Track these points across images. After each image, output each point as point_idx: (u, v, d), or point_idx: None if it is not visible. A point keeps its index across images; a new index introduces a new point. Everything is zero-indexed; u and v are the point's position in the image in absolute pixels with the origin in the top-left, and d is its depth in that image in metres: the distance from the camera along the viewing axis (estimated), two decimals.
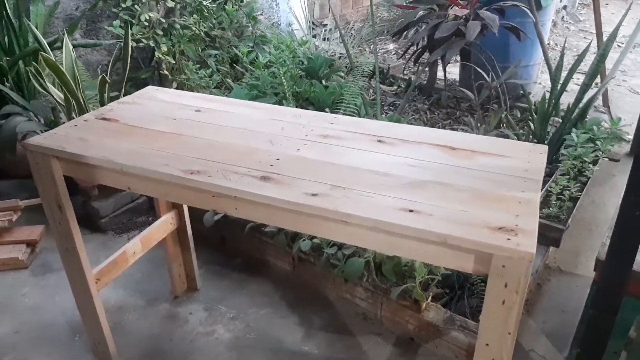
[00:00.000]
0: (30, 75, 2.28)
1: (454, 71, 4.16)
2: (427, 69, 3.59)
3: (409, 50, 3.54)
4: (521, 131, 2.89)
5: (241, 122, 1.49)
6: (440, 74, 4.19)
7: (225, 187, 1.15)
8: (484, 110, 3.17)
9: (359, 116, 3.03)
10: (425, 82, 3.78)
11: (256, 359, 1.80)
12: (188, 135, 1.41)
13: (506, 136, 2.74)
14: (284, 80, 3.15)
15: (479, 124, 2.85)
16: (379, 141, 1.35)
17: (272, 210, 1.13)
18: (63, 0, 3.19)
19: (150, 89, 1.76)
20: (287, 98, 3.16)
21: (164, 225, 1.90)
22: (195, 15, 3.30)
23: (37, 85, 2.28)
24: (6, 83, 2.61)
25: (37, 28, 2.77)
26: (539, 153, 1.28)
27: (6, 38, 2.72)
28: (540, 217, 2.09)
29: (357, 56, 4.40)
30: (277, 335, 1.90)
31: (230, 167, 1.22)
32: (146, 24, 3.08)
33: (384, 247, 1.07)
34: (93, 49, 3.38)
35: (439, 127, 3.33)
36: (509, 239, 0.95)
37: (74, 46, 2.85)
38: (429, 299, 1.81)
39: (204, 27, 3.44)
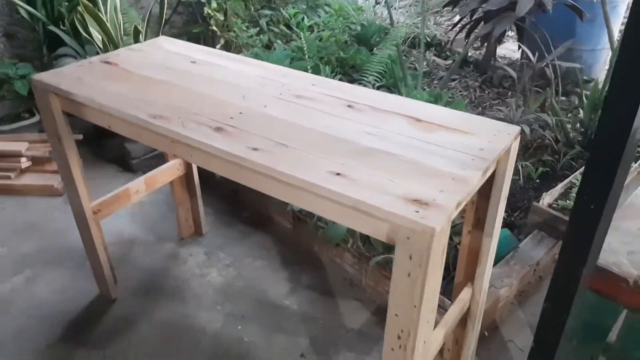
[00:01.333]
0: (76, 20, 2.46)
1: (517, 49, 3.92)
2: (483, 44, 3.41)
3: (462, 23, 3.36)
4: (566, 118, 2.70)
5: (228, 76, 1.53)
6: (503, 51, 3.98)
7: (179, 134, 1.21)
8: (533, 93, 2.98)
9: (395, 87, 2.97)
10: (481, 58, 3.60)
11: (239, 305, 1.90)
12: (173, 83, 1.48)
13: (545, 121, 2.58)
14: (327, 45, 3.14)
15: (519, 106, 2.69)
16: (349, 106, 1.34)
17: (219, 161, 1.18)
18: None
19: (161, 39, 1.84)
20: (329, 62, 3.16)
21: (170, 169, 2.02)
22: None
23: (80, 30, 2.45)
24: (62, 27, 2.83)
25: None
26: (506, 134, 1.21)
27: None
28: (554, 209, 2.00)
29: (417, 26, 4.27)
30: (264, 287, 1.98)
31: (194, 117, 1.28)
32: None
33: (309, 206, 1.08)
34: (155, 1, 3.55)
35: (485, 106, 3.19)
36: (417, 211, 0.93)
37: None
38: None
39: None
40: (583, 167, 2.26)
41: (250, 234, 2.26)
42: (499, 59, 3.77)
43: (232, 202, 2.42)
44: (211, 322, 1.82)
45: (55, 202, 2.45)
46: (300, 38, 3.34)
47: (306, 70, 2.68)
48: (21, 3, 2.81)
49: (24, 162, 2.52)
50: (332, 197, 1.01)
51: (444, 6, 3.40)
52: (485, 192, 1.30)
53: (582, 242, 1.11)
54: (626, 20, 0.84)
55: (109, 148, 2.77)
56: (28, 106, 3.02)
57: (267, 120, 1.27)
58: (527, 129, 2.47)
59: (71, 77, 1.51)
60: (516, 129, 1.24)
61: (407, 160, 1.10)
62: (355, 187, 1.01)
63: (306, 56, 2.79)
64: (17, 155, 2.50)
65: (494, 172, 1.23)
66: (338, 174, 1.05)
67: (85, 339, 1.76)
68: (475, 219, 1.37)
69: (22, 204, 2.43)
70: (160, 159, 2.77)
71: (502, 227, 2.06)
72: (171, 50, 1.73)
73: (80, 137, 2.65)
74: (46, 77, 1.50)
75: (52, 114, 1.51)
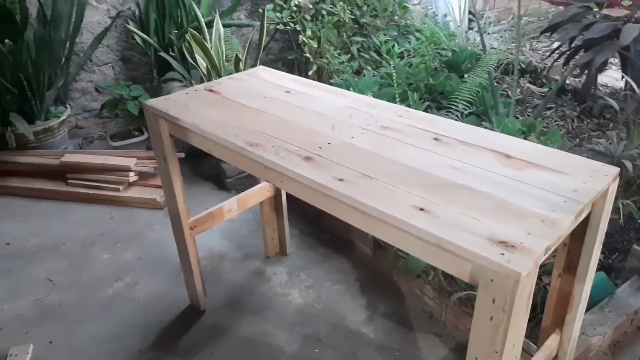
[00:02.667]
0: (183, 47, 2.68)
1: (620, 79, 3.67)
2: (582, 72, 3.24)
3: (559, 50, 3.23)
4: None
5: (319, 106, 1.60)
6: (604, 79, 3.75)
7: (271, 161, 1.29)
8: (638, 126, 2.78)
9: (485, 115, 2.90)
10: (580, 87, 3.42)
11: (317, 328, 1.94)
12: (268, 112, 1.57)
13: None
14: (416, 72, 3.15)
15: (621, 140, 2.52)
16: (435, 139, 1.35)
17: (306, 189, 1.23)
18: None
19: (259, 69, 1.96)
20: (418, 89, 3.16)
21: (261, 191, 2.12)
22: (342, 3, 3.45)
23: (187, 56, 2.67)
24: (171, 53, 3.09)
25: (205, 6, 3.21)
26: (603, 175, 1.16)
27: (179, 14, 3.20)
28: None
29: (511, 52, 4.14)
30: (342, 312, 2.01)
31: (285, 145, 1.35)
32: (295, 8, 3.32)
33: (392, 240, 1.10)
34: (254, 29, 3.77)
35: (583, 138, 3.02)
36: (502, 254, 0.91)
37: (230, 25, 3.24)
38: None
39: (352, 15, 3.58)
40: None
41: (331, 257, 2.30)
42: (600, 88, 3.56)
43: (317, 224, 2.49)
44: (290, 342, 1.87)
45: (156, 214, 2.66)
46: (389, 64, 3.38)
47: (394, 97, 2.70)
48: (136, 30, 3.12)
49: (132, 177, 2.76)
50: (414, 233, 1.02)
51: (542, 32, 3.28)
52: (579, 234, 1.24)
53: None
54: None
55: (206, 167, 2.96)
56: (138, 125, 3.32)
57: (354, 151, 1.31)
58: (629, 165, 2.30)
59: (178, 103, 1.65)
60: (615, 170, 1.18)
61: (493, 199, 1.09)
62: (439, 223, 1.01)
63: (394, 83, 2.81)
64: (126, 169, 2.75)
65: (589, 214, 1.18)
66: (422, 209, 1.06)
67: (175, 347, 1.88)
68: (567, 262, 1.31)
69: (127, 214, 2.66)
70: (251, 178, 2.91)
71: (598, 270, 1.93)
72: (267, 80, 1.84)
73: (182, 155, 2.86)
74: (157, 103, 1.65)
75: (160, 136, 1.66)
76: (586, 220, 1.20)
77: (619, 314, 1.71)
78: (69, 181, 2.79)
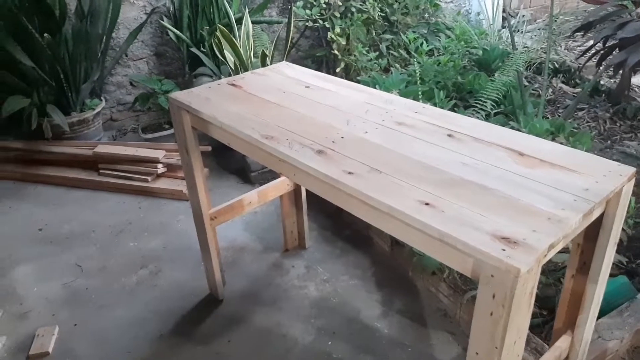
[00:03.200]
0: (213, 43, 2.74)
1: None
2: (615, 73, 3.14)
3: (593, 49, 3.14)
4: None
5: (337, 101, 1.62)
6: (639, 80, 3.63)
7: (285, 154, 1.32)
8: None
9: (513, 114, 2.86)
10: (615, 88, 3.32)
11: (331, 321, 1.96)
12: (286, 107, 1.60)
13: None
14: (444, 70, 3.12)
15: None
16: (449, 135, 1.35)
17: (317, 182, 1.26)
18: None
19: (282, 64, 1.99)
20: (445, 87, 3.14)
21: (281, 184, 2.16)
22: (371, 0, 3.45)
23: (217, 52, 2.73)
24: (202, 49, 3.16)
25: (236, 3, 3.27)
26: (618, 175, 1.14)
27: (211, 11, 3.27)
28: None
29: (545, 51, 4.05)
30: (357, 307, 2.02)
31: (300, 139, 1.38)
32: (325, 6, 3.35)
33: (398, 234, 1.11)
34: (284, 26, 3.81)
35: (615, 140, 2.94)
36: (503, 250, 0.92)
37: (260, 22, 3.28)
38: None
39: (382, 12, 3.57)
40: None
41: (349, 252, 2.32)
42: (636, 89, 3.45)
43: (336, 219, 2.51)
44: (304, 334, 1.90)
45: (182, 205, 2.73)
46: (417, 62, 3.37)
47: (417, 95, 2.69)
48: (170, 27, 3.20)
49: (160, 168, 2.85)
50: (418, 227, 1.03)
51: (575, 32, 3.20)
52: (594, 235, 1.22)
53: None
54: None
55: (232, 161, 3.02)
56: (169, 118, 3.41)
57: (366, 146, 1.33)
58: None
59: (200, 97, 1.70)
60: (630, 169, 1.15)
61: (501, 195, 1.09)
62: (443, 218, 1.02)
63: (418, 81, 2.80)
64: (155, 161, 2.84)
65: (603, 214, 1.16)
66: (427, 203, 1.07)
67: (193, 334, 1.93)
68: (581, 263, 1.29)
69: (155, 204, 2.75)
70: (275, 173, 2.96)
71: (621, 274, 1.89)
72: (289, 75, 1.87)
73: (209, 149, 2.94)
74: (180, 96, 1.71)
75: (183, 128, 1.71)
76: (600, 221, 1.18)
77: (638, 318, 1.67)
78: (100, 171, 2.89)
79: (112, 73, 3.43)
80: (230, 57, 2.74)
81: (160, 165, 2.87)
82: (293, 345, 1.86)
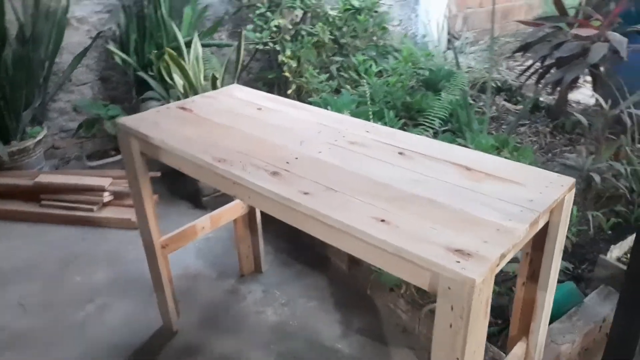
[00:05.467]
0: (161, 67, 2.70)
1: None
2: (553, 90, 3.33)
3: (532, 68, 3.32)
4: None
5: (289, 122, 1.62)
6: (577, 96, 3.85)
7: (239, 176, 1.30)
8: (606, 141, 2.85)
9: (460, 131, 2.96)
10: (553, 104, 3.51)
11: (291, 345, 1.93)
12: (238, 129, 1.59)
13: (618, 170, 2.45)
14: (393, 90, 3.21)
15: (590, 154, 2.58)
16: (400, 153, 1.38)
17: (273, 203, 1.24)
18: (214, 3, 3.65)
19: (233, 87, 1.99)
20: (395, 107, 3.22)
21: (234, 208, 2.13)
22: (321, 24, 3.51)
23: (165, 75, 2.69)
24: (150, 73, 3.11)
25: (186, 27, 3.24)
26: (559, 185, 1.19)
27: (159, 34, 3.22)
28: (623, 263, 1.88)
29: (488, 71, 4.24)
30: (317, 328, 2.00)
31: (253, 160, 1.37)
32: (275, 29, 3.38)
33: (354, 251, 1.11)
34: (233, 49, 3.81)
35: (556, 153, 3.09)
36: (458, 262, 0.93)
37: (209, 45, 3.27)
38: None
39: (331, 35, 3.64)
40: None
41: (307, 274, 2.30)
42: (573, 105, 3.65)
43: (292, 241, 2.49)
44: None
45: (130, 234, 2.64)
46: (367, 83, 3.44)
47: (368, 115, 2.74)
48: (116, 50, 3.13)
49: (107, 197, 2.75)
50: (374, 243, 1.03)
51: (515, 52, 3.37)
52: (540, 243, 1.27)
53: (638, 302, 1.05)
54: None
55: (183, 186, 2.95)
56: (115, 145, 3.31)
57: (320, 166, 1.33)
58: (597, 178, 2.36)
59: (149, 121, 1.66)
60: (570, 180, 1.21)
61: (452, 209, 1.11)
62: (398, 234, 1.03)
63: (368, 101, 2.86)
64: (101, 189, 2.74)
65: (548, 224, 1.21)
66: (382, 220, 1.08)
67: None
68: (530, 271, 1.33)
69: (101, 235, 2.64)
70: (228, 196, 2.91)
71: (567, 280, 1.96)
72: (240, 98, 1.86)
73: (159, 174, 2.86)
74: (128, 121, 1.66)
75: (132, 154, 1.66)
76: (546, 230, 1.22)
77: (587, 322, 1.74)
78: (42, 202, 2.76)
79: (55, 99, 3.30)
80: (179, 81, 2.71)
81: (106, 194, 2.77)
82: None
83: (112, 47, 3.19)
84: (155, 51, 3.19)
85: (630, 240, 2.00)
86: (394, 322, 1.99)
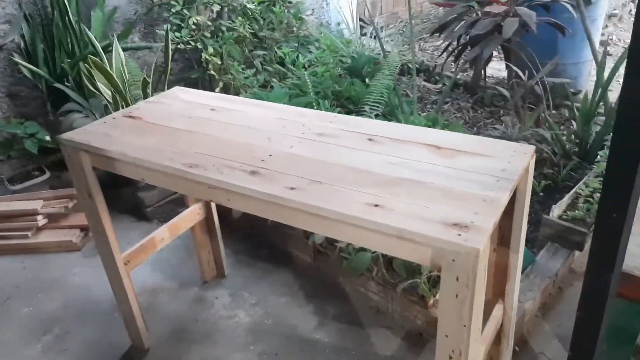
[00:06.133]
0: (83, 76, 2.54)
1: (503, 68, 4.07)
2: (471, 66, 3.55)
3: (449, 48, 3.50)
4: (561, 131, 2.80)
5: (249, 120, 1.60)
6: (489, 70, 4.12)
7: (217, 180, 1.27)
8: (526, 110, 3.10)
9: (392, 115, 3.07)
10: (470, 80, 3.73)
11: (270, 343, 1.92)
12: (198, 132, 1.54)
13: (542, 136, 2.68)
14: (322, 80, 3.24)
15: (515, 124, 2.80)
16: (370, 140, 1.41)
17: (257, 202, 1.23)
18: (122, 5, 3.47)
19: (176, 90, 1.92)
20: (327, 97, 3.26)
21: (191, 214, 2.06)
22: (240, 18, 3.46)
23: (88, 85, 2.53)
24: (67, 83, 2.91)
25: (96, 31, 3.05)
26: (523, 153, 1.29)
27: (69, 42, 3.01)
28: (564, 220, 2.08)
29: (404, 54, 4.42)
30: (292, 323, 2.01)
31: (226, 162, 1.34)
32: (194, 27, 3.28)
33: (352, 239, 1.14)
34: (150, 51, 3.65)
35: (480, 126, 3.30)
36: (459, 235, 0.99)
37: (127, 49, 3.11)
38: (437, 295, 1.84)
39: (251, 29, 3.60)
40: (587, 177, 2.36)
41: (271, 272, 2.29)
42: (487, 79, 3.91)
43: (250, 241, 2.46)
44: None
45: (73, 257, 2.48)
46: (295, 75, 3.45)
47: (312, 106, 2.76)
48: (24, 63, 2.89)
49: (41, 220, 2.55)
50: (374, 228, 1.06)
51: (432, 33, 3.54)
52: (507, 210, 1.36)
53: (609, 251, 1.17)
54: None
55: (122, 199, 2.80)
56: (38, 164, 3.06)
57: (296, 160, 1.34)
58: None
59: (98, 133, 1.57)
60: (531, 148, 1.32)
61: (436, 187, 1.17)
62: (395, 216, 1.07)
63: (310, 92, 2.88)
64: (33, 213, 2.53)
65: (515, 190, 1.30)
66: (376, 205, 1.11)
67: None
68: (500, 237, 1.43)
69: (42, 261, 2.45)
70: (173, 204, 2.81)
71: None
72: (188, 100, 1.81)
73: None
74: (75, 135, 1.55)
75: (83, 170, 1.56)
76: (513, 196, 1.32)
77: (542, 278, 1.90)
78: None
79: None
80: (105, 89, 2.56)
81: (40, 217, 2.57)
82: None
83: (18, 59, 2.93)
84: (68, 60, 2.98)
85: (566, 198, 2.20)
86: (367, 305, 2.04)
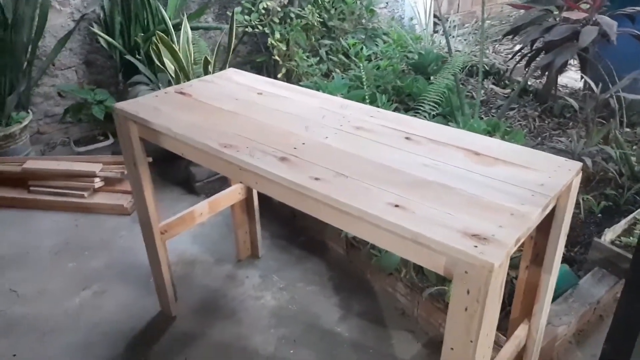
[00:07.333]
0: (151, 50, 2.65)
1: (579, 79, 3.83)
2: (543, 73, 3.37)
3: (522, 52, 3.34)
4: (632, 151, 2.60)
5: (292, 107, 1.61)
6: (564, 80, 3.89)
7: (246, 162, 1.29)
8: (596, 124, 2.90)
9: (451, 116, 2.97)
10: (541, 87, 3.55)
11: (291, 329, 1.94)
12: (241, 114, 1.57)
13: (608, 154, 2.50)
14: (384, 74, 3.20)
15: (580, 138, 2.63)
16: (407, 138, 1.38)
17: (282, 189, 1.24)
18: None
19: (230, 71, 1.96)
20: (386, 91, 3.21)
21: (232, 194, 2.11)
22: (310, 6, 3.47)
23: (155, 59, 2.63)
24: (138, 56, 3.04)
25: (171, 9, 3.17)
26: (567, 170, 1.21)
27: (145, 17, 3.15)
28: (616, 246, 1.93)
29: (476, 54, 4.26)
30: (316, 312, 2.01)
31: (260, 146, 1.35)
32: (264, 11, 3.33)
33: (369, 237, 1.12)
34: (221, 32, 3.74)
35: (545, 136, 3.13)
36: (475, 246, 0.95)
37: (198, 28, 3.21)
38: None
39: (320, 18, 3.60)
40: None
41: (304, 259, 2.31)
42: (560, 89, 3.70)
43: (289, 226, 2.49)
44: (264, 345, 1.87)
45: (123, 220, 2.61)
46: (358, 67, 3.42)
47: (363, 99, 2.74)
48: (101, 33, 3.05)
49: (98, 182, 2.70)
50: (390, 229, 1.04)
51: (504, 35, 3.39)
52: (545, 227, 1.29)
53: None
54: None
55: (175, 171, 2.92)
56: (103, 130, 3.25)
57: (328, 151, 1.33)
58: (589, 161, 2.40)
59: (149, 106, 1.63)
60: (578, 164, 1.23)
61: (465, 194, 1.12)
62: (414, 219, 1.04)
63: (364, 85, 2.85)
64: (91, 175, 2.69)
65: (554, 207, 1.23)
66: (397, 205, 1.08)
67: (146, 354, 1.85)
68: (534, 255, 1.36)
69: (94, 221, 2.60)
70: (221, 182, 2.89)
71: (562, 263, 2.01)
72: (239, 82, 1.84)
73: (150, 160, 2.81)
74: (126, 106, 1.63)
75: (130, 139, 1.63)
76: (552, 213, 1.25)
77: (582, 303, 1.78)
78: (31, 188, 2.70)
79: (39, 84, 3.21)
80: (169, 65, 2.66)
81: (97, 180, 2.72)
82: (254, 357, 1.82)
83: (96, 29, 3.10)
84: (142, 34, 3.12)
85: (623, 223, 2.05)
86: (392, 306, 2.01)
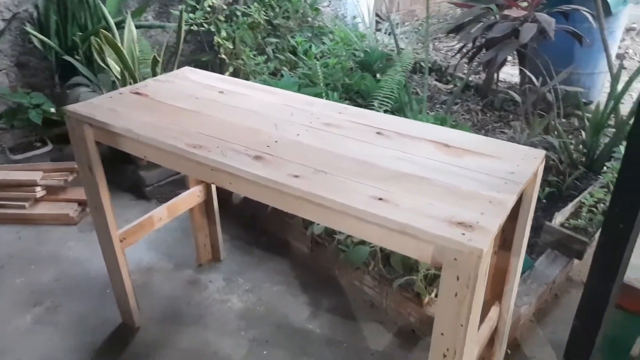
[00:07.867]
0: (93, 50, 2.52)
1: (516, 73, 4.03)
2: (485, 69, 3.51)
3: (464, 49, 3.47)
4: (569, 140, 2.78)
5: (256, 105, 1.58)
6: (501, 75, 4.08)
7: (220, 162, 1.25)
8: (537, 116, 3.07)
9: (400, 111, 3.04)
10: (482, 82, 3.70)
11: (262, 330, 1.91)
12: (205, 113, 1.52)
13: (549, 143, 2.65)
14: (333, 72, 3.21)
15: (524, 129, 2.77)
16: (378, 133, 1.39)
17: (259, 187, 1.21)
18: None
19: (185, 70, 1.90)
20: (336, 89, 3.23)
21: (191, 196, 2.05)
22: (256, 4, 3.43)
23: (98, 59, 2.51)
24: (76, 56, 2.88)
25: (111, 7, 3.03)
26: (532, 158, 1.27)
27: (82, 15, 2.99)
28: (566, 228, 2.05)
29: (418, 52, 4.38)
30: (285, 312, 2.00)
31: (231, 145, 1.32)
32: (209, 9, 3.25)
33: (353, 231, 1.13)
34: (163, 31, 3.62)
35: (488, 129, 3.27)
36: (463, 234, 0.97)
37: (140, 27, 3.09)
38: (433, 293, 1.82)
39: (266, 16, 3.57)
40: (592, 187, 2.33)
41: (268, 259, 2.28)
42: (499, 83, 3.88)
43: (250, 227, 2.45)
44: (236, 348, 1.83)
45: (70, 230, 2.46)
46: (306, 65, 3.42)
47: (321, 97, 2.74)
48: (35, 33, 2.87)
49: (39, 192, 2.53)
50: (377, 222, 1.05)
51: (448, 33, 3.51)
52: (512, 214, 1.34)
53: (612, 260, 1.16)
54: None
55: (122, 176, 2.78)
56: (41, 135, 3.05)
57: (302, 148, 1.32)
58: None
59: (104, 108, 1.55)
60: (542, 153, 1.29)
61: (442, 185, 1.15)
62: (399, 211, 1.05)
63: (320, 82, 2.85)
64: (32, 184, 2.52)
65: (522, 194, 1.28)
66: (380, 198, 1.09)
67: None
68: (502, 240, 1.41)
69: (38, 233, 2.44)
70: (172, 185, 2.79)
71: None
72: (197, 81, 1.79)
73: None
74: (80, 108, 1.54)
75: (85, 143, 1.54)
76: (518, 200, 1.30)
77: (540, 284, 1.88)
78: None
79: None
80: (114, 65, 2.54)
81: (38, 189, 2.55)
82: None
83: (30, 29, 2.91)
84: (80, 33, 2.96)
85: (570, 207, 2.18)
86: (361, 299, 2.03)
